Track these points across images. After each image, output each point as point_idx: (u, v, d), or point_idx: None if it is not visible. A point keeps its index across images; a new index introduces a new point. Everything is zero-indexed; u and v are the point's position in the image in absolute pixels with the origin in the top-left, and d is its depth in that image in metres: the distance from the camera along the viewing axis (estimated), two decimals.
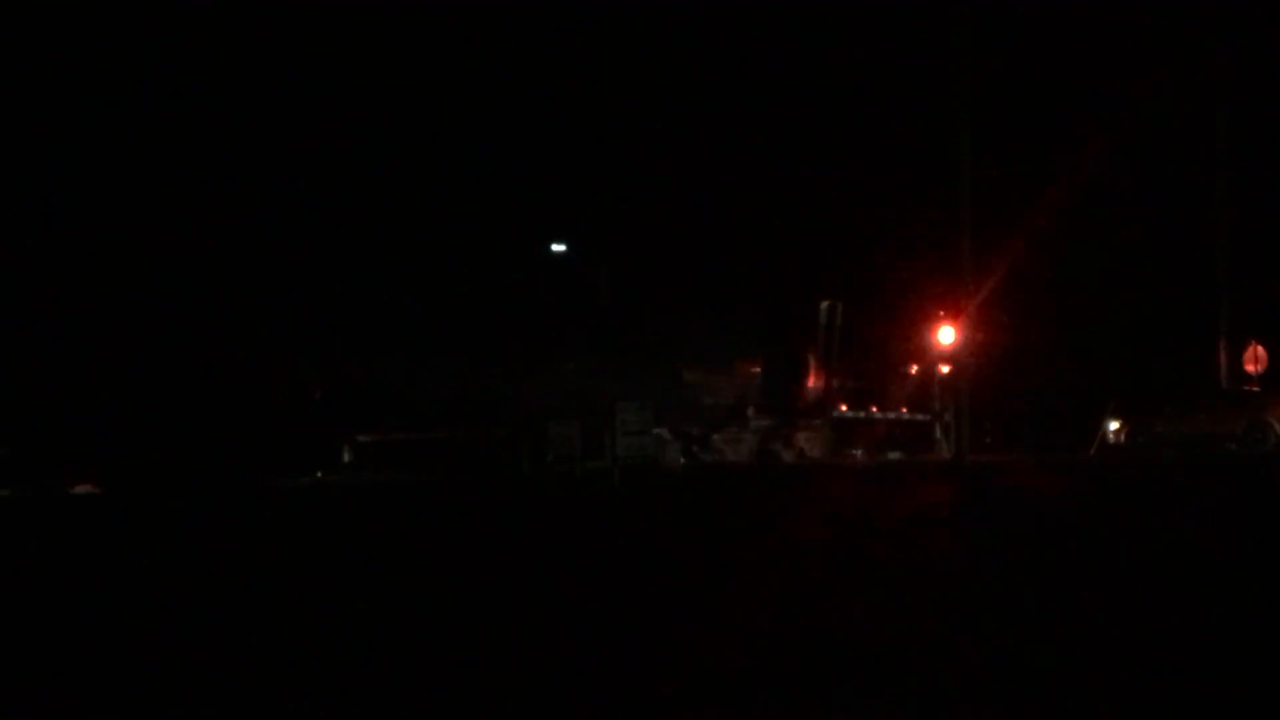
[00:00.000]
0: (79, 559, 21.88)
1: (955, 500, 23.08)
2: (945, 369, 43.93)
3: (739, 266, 50.79)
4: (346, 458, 50.25)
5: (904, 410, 49.96)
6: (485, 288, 50.15)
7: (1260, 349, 44.14)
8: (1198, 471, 24.96)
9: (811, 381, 47.70)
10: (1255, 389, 42.50)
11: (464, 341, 49.81)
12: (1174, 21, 45.09)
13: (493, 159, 51.74)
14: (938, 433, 45.37)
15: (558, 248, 50.26)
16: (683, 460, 43.64)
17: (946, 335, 40.82)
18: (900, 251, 48.12)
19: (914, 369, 50.25)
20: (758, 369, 48.44)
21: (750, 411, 47.02)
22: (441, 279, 51.23)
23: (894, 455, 45.60)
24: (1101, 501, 21.23)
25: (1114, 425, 40.63)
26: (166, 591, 17.23)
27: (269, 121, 49.92)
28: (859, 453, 47.01)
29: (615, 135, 52.20)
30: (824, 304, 45.33)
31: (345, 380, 50.41)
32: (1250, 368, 44.15)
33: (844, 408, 49.39)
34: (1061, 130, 46.11)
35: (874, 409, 50.19)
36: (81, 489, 43.71)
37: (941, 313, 41.60)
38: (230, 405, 48.10)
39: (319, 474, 48.07)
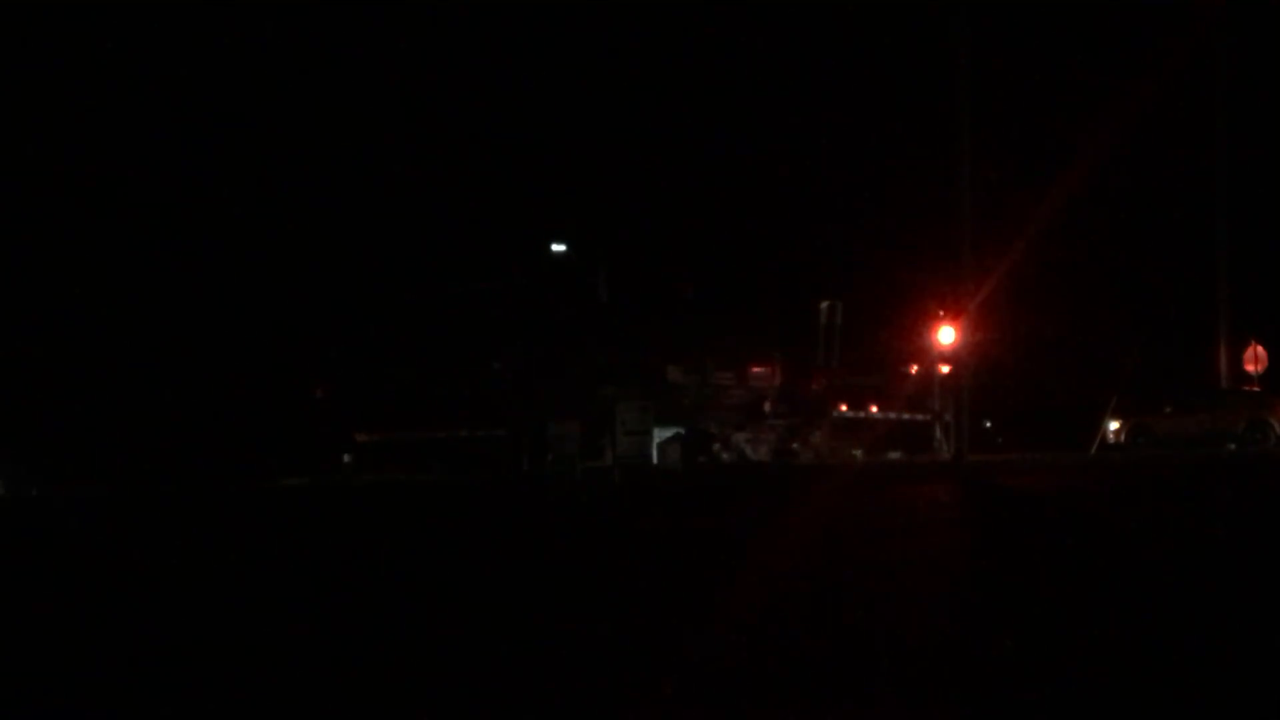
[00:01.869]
0: (81, 558, 21.87)
1: (955, 500, 23.07)
2: (945, 369, 43.88)
3: (739, 266, 50.76)
4: (346, 458, 50.16)
5: (904, 410, 49.89)
6: (485, 288, 50.10)
7: (1260, 349, 44.08)
8: (1198, 471, 24.94)
9: (816, 381, 47.72)
10: (1255, 389, 42.46)
11: (464, 341, 49.75)
12: (1174, 20, 45.09)
13: (493, 159, 51.70)
14: (938, 433, 45.28)
15: (558, 248, 50.21)
16: (702, 459, 43.60)
17: (946, 335, 40.78)
18: (901, 252, 48.08)
19: (914, 369, 50.17)
20: (759, 369, 48.39)
21: (767, 408, 47.03)
22: (442, 279, 51.18)
23: (894, 455, 45.52)
24: (1102, 501, 21.21)
25: (1114, 425, 40.61)
26: (167, 590, 17.22)
27: (271, 123, 49.90)
28: (859, 453, 46.94)
29: (615, 136, 52.18)
30: (824, 304, 45.23)
31: (345, 380, 50.36)
32: (1250, 368, 44.09)
33: (844, 408, 49.31)
34: (1061, 130, 46.08)
35: (874, 409, 50.10)
36: (82, 487, 43.70)
37: (941, 313, 41.57)
38: (231, 405, 48.05)
39: (319, 474, 48.01)
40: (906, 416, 49.00)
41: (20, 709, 11.14)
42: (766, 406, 47.13)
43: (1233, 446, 36.87)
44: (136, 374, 47.61)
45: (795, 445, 46.16)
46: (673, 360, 48.33)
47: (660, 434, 44.13)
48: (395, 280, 51.44)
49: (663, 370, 48.44)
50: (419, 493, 33.74)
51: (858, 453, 47.01)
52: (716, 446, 46.29)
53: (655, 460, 41.12)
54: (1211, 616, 11.81)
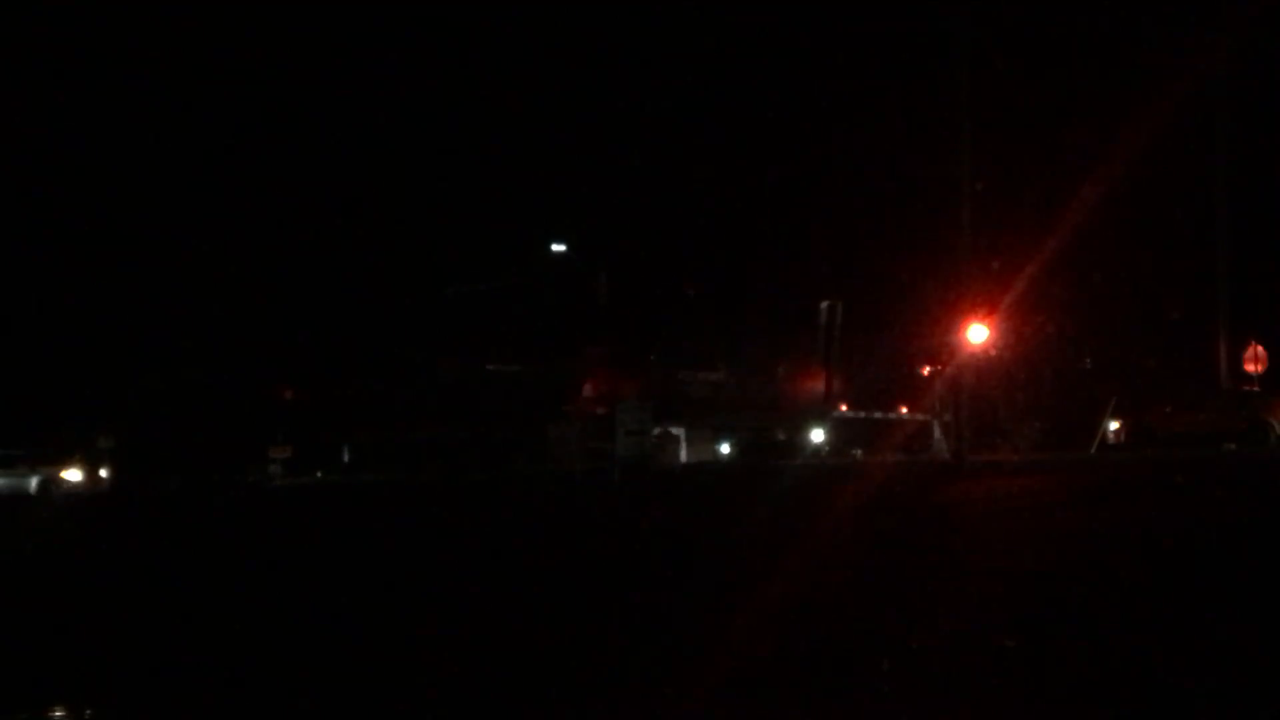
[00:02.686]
0: (79, 557, 21.88)
1: (955, 500, 23.06)
2: (945, 369, 43.88)
3: (738, 267, 50.80)
4: (346, 458, 50.19)
5: (904, 410, 49.90)
6: (485, 288, 50.15)
7: (1260, 349, 44.04)
8: (1198, 471, 24.92)
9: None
10: (1255, 389, 42.42)
11: (464, 342, 49.81)
12: (1175, 21, 45.08)
13: (493, 159, 51.73)
14: (937, 433, 45.25)
15: (558, 248, 50.25)
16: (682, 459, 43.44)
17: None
18: (902, 253, 48.08)
19: (915, 369, 50.20)
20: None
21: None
22: (442, 279, 51.25)
23: (893, 455, 45.49)
24: (1101, 501, 21.20)
25: (1114, 425, 40.56)
26: (165, 590, 17.23)
27: (271, 124, 49.93)
28: (859, 453, 46.92)
29: (617, 137, 52.18)
30: (824, 304, 45.24)
31: (345, 380, 50.39)
32: (1250, 368, 44.05)
33: (844, 408, 49.31)
34: (1062, 131, 46.07)
35: (874, 409, 50.15)
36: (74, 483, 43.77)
37: (943, 314, 41.58)
38: (232, 405, 48.08)
39: (319, 474, 48.06)
40: (906, 416, 49.02)
41: (21, 706, 11.15)
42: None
43: (1233, 446, 36.82)
44: (136, 374, 47.62)
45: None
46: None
47: None
48: (396, 281, 51.51)
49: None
50: (418, 493, 33.73)
51: (858, 453, 47.00)
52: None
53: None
54: (1211, 616, 11.81)
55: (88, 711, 11.12)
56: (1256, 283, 46.99)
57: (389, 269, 51.43)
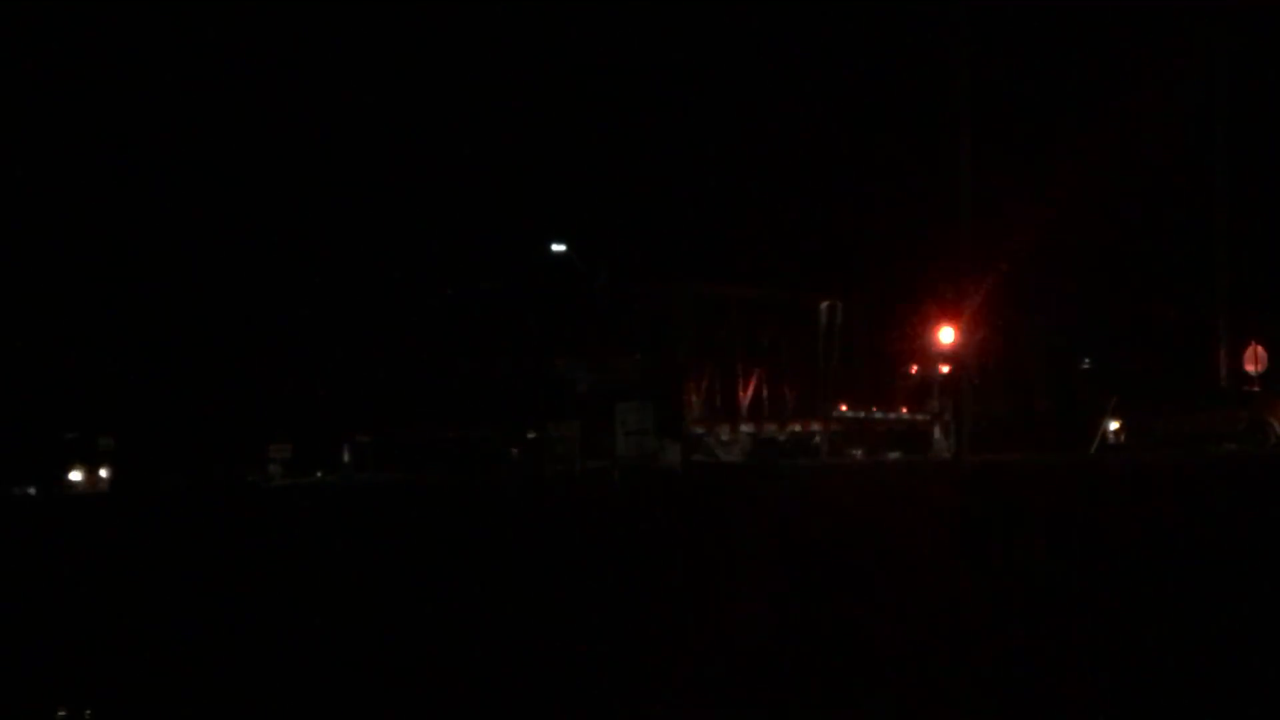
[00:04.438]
0: (79, 558, 21.87)
1: (955, 500, 23.04)
2: (945, 369, 43.82)
3: (740, 266, 50.75)
4: (346, 458, 50.10)
5: (904, 410, 49.79)
6: (485, 287, 50.10)
7: (1260, 349, 44.03)
8: (1198, 471, 24.93)
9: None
10: (1255, 389, 42.41)
11: (464, 341, 49.74)
12: (1175, 20, 45.10)
13: (492, 159, 51.67)
14: (937, 433, 45.18)
15: (558, 248, 50.15)
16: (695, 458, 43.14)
17: (946, 335, 40.79)
18: (901, 251, 48.05)
19: (914, 369, 50.11)
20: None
21: None
22: (441, 279, 51.18)
23: (894, 455, 45.43)
24: (1101, 501, 21.20)
25: (1114, 425, 40.53)
26: (166, 591, 17.23)
27: (270, 123, 49.88)
28: (859, 453, 46.84)
29: (615, 135, 52.14)
30: (824, 304, 45.12)
31: (345, 380, 50.34)
32: (1250, 368, 44.05)
33: (844, 408, 49.21)
34: (1061, 130, 46.07)
35: (874, 409, 50.02)
36: (80, 487, 43.74)
37: (941, 313, 41.58)
38: (229, 405, 48.04)
39: (319, 474, 47.99)
40: (906, 416, 48.96)
41: (21, 707, 11.16)
42: None
43: (1233, 446, 36.81)
44: (134, 375, 47.60)
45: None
46: None
47: None
48: (395, 280, 51.46)
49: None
50: (419, 493, 33.72)
51: (858, 453, 46.94)
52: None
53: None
54: (1210, 616, 11.82)
55: (87, 711, 11.13)
56: (1256, 283, 47.00)
57: (388, 268, 51.37)
